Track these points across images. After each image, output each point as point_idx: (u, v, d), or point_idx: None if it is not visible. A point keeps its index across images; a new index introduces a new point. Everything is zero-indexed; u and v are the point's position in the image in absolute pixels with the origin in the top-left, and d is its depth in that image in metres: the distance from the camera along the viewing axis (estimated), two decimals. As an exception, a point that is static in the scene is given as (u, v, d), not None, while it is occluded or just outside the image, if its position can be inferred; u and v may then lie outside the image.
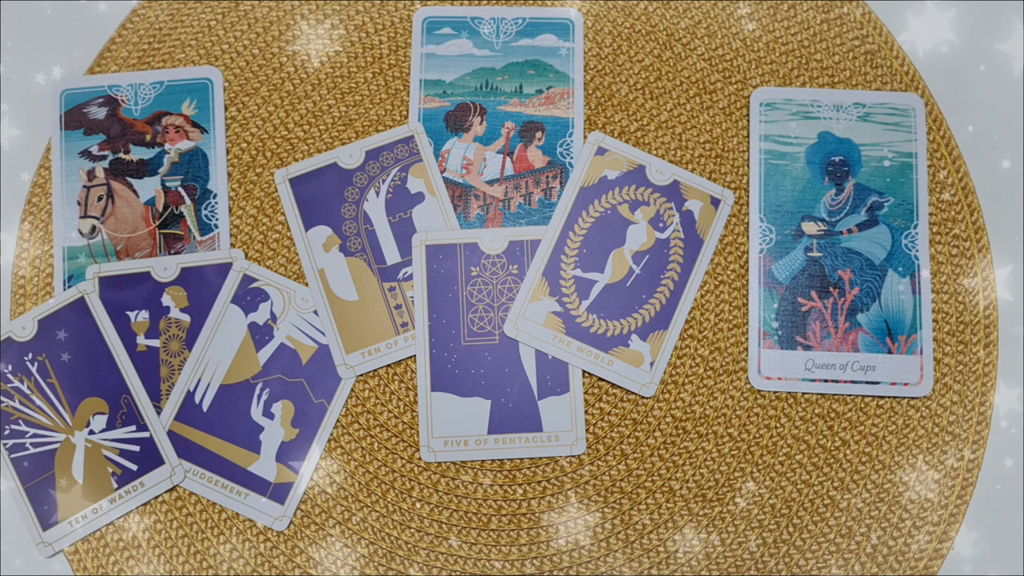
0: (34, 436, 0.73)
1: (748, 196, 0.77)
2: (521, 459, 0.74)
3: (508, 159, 0.77)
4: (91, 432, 0.73)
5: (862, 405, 0.75)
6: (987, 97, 0.79)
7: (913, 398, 0.75)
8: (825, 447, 0.74)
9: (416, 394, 0.75)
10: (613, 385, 0.75)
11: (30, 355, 0.73)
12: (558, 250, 0.75)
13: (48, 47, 0.80)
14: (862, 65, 0.79)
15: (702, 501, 0.74)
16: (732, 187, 0.77)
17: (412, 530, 0.74)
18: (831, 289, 0.75)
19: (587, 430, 0.74)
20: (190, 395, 0.74)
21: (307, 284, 0.75)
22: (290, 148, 0.78)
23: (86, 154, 0.77)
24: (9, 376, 0.73)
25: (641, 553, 0.73)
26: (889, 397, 0.75)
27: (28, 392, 0.73)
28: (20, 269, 0.76)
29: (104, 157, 0.77)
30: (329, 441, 0.74)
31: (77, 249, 0.75)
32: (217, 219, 0.76)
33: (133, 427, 0.73)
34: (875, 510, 0.74)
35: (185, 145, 0.77)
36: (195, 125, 0.77)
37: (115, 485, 0.73)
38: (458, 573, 0.73)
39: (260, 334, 0.74)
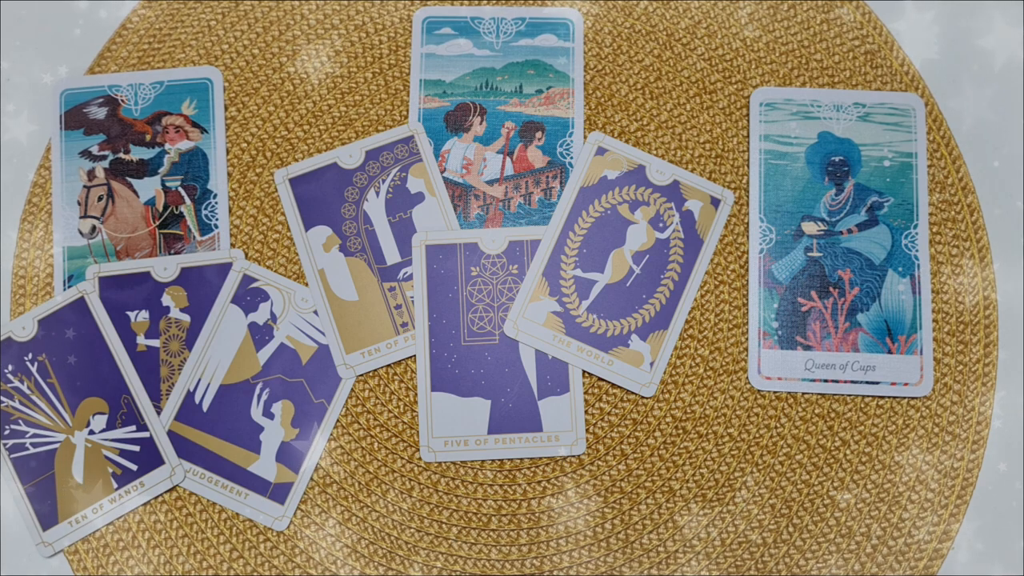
0: (34, 436, 0.73)
1: (748, 196, 0.77)
2: (521, 459, 0.74)
3: (508, 159, 0.77)
4: (91, 432, 0.73)
5: (862, 405, 0.75)
6: (987, 96, 0.79)
7: (913, 398, 0.75)
8: (825, 447, 0.74)
9: (416, 394, 0.75)
10: (613, 385, 0.75)
11: (30, 355, 0.73)
12: (558, 250, 0.75)
13: (48, 47, 0.80)
14: (862, 65, 0.79)
15: (702, 501, 0.74)
16: (732, 187, 0.77)
17: (412, 530, 0.74)
18: (831, 289, 0.75)
19: (587, 430, 0.74)
20: (190, 395, 0.74)
21: (307, 284, 0.75)
22: (290, 148, 0.78)
23: (86, 154, 0.77)
24: (9, 376, 0.73)
25: (641, 553, 0.73)
26: (889, 397, 0.75)
27: (28, 392, 0.73)
28: (20, 269, 0.76)
29: (104, 157, 0.77)
30: (329, 441, 0.74)
31: (77, 249, 0.75)
32: (217, 219, 0.76)
33: (133, 427, 0.73)
34: (875, 510, 0.74)
35: (185, 145, 0.77)
36: (195, 125, 0.77)
37: (115, 485, 0.73)
38: (458, 573, 0.73)
39: (260, 334, 0.74)
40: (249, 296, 0.75)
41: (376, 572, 0.73)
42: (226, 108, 0.78)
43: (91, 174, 0.76)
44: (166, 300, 0.75)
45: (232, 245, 0.76)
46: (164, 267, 0.75)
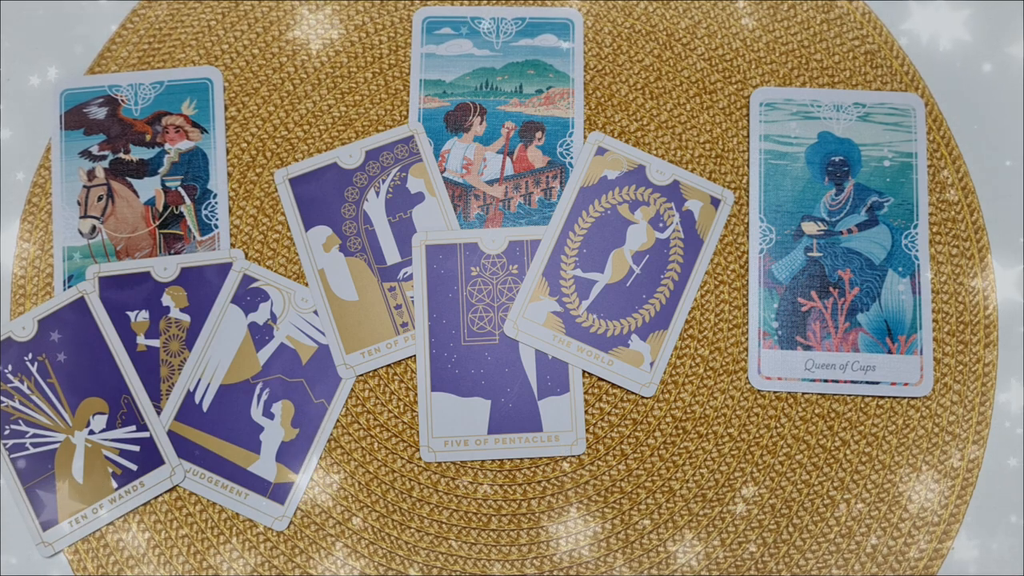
0: (34, 436, 0.73)
1: (748, 196, 0.77)
2: (521, 459, 0.74)
3: (508, 159, 0.77)
4: (91, 432, 0.73)
5: (862, 405, 0.75)
6: (987, 96, 0.79)
7: (913, 398, 0.75)
8: (825, 447, 0.74)
9: (416, 394, 0.75)
10: (613, 385, 0.75)
11: (30, 355, 0.73)
12: (558, 250, 0.75)
13: (48, 47, 0.80)
14: (862, 65, 0.79)
15: (702, 501, 0.74)
16: (732, 187, 0.77)
17: (412, 530, 0.74)
18: (831, 289, 0.75)
19: (587, 430, 0.74)
20: (190, 395, 0.74)
21: (307, 284, 0.75)
22: (290, 148, 0.78)
23: (86, 154, 0.77)
24: (9, 376, 0.73)
25: (641, 553, 0.73)
26: (889, 397, 0.75)
27: (28, 392, 0.73)
28: (20, 269, 0.76)
29: (104, 157, 0.77)
30: (329, 441, 0.74)
31: (77, 249, 0.75)
32: (217, 219, 0.76)
33: (133, 427, 0.73)
34: (875, 510, 0.74)
35: (185, 145, 0.77)
36: (195, 125, 0.77)
37: (115, 485, 0.73)
38: (458, 573, 0.73)
39: (260, 334, 0.74)
40: (249, 296, 0.75)
41: (376, 572, 0.73)
42: (226, 108, 0.78)
43: (91, 174, 0.76)
44: (166, 300, 0.75)
45: (232, 245, 0.76)
46: (164, 267, 0.75)
